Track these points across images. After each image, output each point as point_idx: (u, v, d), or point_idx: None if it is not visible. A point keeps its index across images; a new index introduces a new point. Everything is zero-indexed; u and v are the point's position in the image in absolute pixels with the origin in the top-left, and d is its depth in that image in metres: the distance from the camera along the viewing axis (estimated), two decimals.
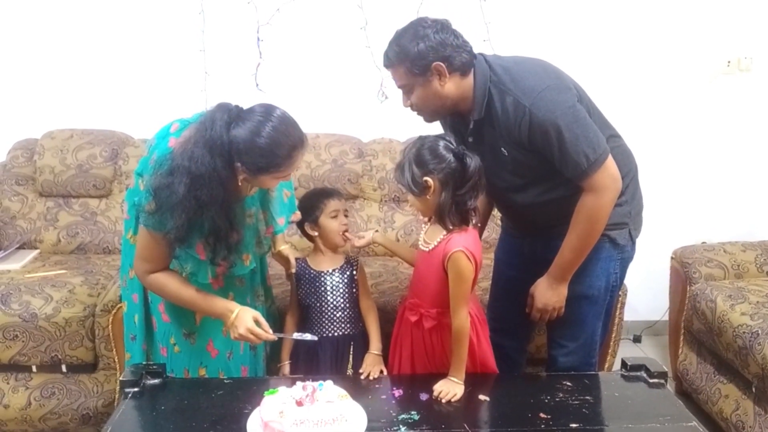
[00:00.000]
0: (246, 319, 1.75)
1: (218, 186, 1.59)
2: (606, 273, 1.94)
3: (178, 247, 1.69)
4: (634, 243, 1.98)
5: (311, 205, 2.07)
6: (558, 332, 2.01)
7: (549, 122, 1.69)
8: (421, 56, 1.69)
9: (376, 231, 2.02)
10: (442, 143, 1.74)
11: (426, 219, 1.87)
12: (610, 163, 1.75)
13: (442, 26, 1.73)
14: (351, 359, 2.06)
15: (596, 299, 1.96)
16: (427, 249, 1.83)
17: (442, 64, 1.70)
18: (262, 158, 1.59)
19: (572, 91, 1.77)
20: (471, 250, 1.74)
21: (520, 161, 1.81)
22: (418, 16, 2.87)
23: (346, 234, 2.03)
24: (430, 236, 1.83)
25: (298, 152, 1.65)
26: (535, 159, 1.78)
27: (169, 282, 1.77)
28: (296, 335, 1.92)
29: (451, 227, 1.76)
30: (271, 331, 1.79)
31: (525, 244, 2.04)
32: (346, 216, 2.07)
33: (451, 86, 1.74)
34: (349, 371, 2.03)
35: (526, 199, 1.90)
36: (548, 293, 1.88)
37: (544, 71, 1.79)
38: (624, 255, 1.96)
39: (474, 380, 1.88)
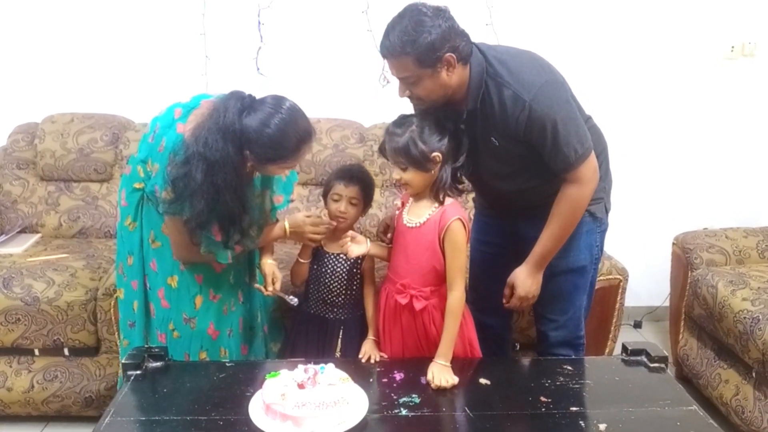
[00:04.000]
0: (299, 221, 1.91)
1: (232, 171, 1.62)
2: (589, 246, 2.00)
3: (197, 231, 1.71)
4: (607, 215, 2.06)
5: (327, 181, 2.08)
6: (547, 308, 2.05)
7: (547, 117, 1.71)
8: (434, 47, 1.64)
9: (366, 242, 1.92)
10: (437, 119, 1.77)
11: (409, 196, 1.87)
12: (593, 157, 1.81)
13: (446, 13, 1.69)
14: (339, 344, 2.06)
15: (582, 272, 2.02)
16: (414, 225, 1.82)
17: (453, 55, 1.67)
18: (270, 149, 1.62)
19: (565, 85, 1.80)
20: (465, 219, 1.79)
21: (510, 150, 1.82)
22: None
23: (345, 240, 1.89)
24: (417, 213, 1.83)
25: (306, 144, 1.67)
26: (525, 149, 1.80)
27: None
28: (285, 295, 2.00)
29: (443, 200, 1.79)
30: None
31: (506, 223, 2.06)
32: (353, 204, 2.00)
33: (455, 76, 1.72)
34: (337, 356, 2.04)
35: (511, 185, 1.93)
36: (529, 281, 1.91)
37: (539, 65, 1.79)
38: (602, 227, 2.04)
39: (475, 364, 1.90)
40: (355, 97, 3.05)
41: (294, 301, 2.00)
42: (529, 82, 1.72)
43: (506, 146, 1.81)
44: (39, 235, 2.80)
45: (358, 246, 1.88)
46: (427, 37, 1.63)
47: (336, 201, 2.01)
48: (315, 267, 2.07)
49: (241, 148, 1.62)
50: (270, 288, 1.97)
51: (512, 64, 1.75)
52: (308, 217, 1.94)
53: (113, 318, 2.30)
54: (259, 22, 2.97)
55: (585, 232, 1.96)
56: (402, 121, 1.77)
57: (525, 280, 1.90)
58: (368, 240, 1.92)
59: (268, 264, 2.01)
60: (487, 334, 2.05)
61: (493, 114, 1.76)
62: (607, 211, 2.04)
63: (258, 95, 1.73)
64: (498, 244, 2.07)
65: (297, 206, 2.81)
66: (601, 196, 1.98)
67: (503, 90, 1.73)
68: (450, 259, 1.78)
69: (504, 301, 1.97)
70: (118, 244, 1.95)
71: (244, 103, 1.63)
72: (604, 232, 2.06)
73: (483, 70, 1.75)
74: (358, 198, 2.01)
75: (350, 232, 1.90)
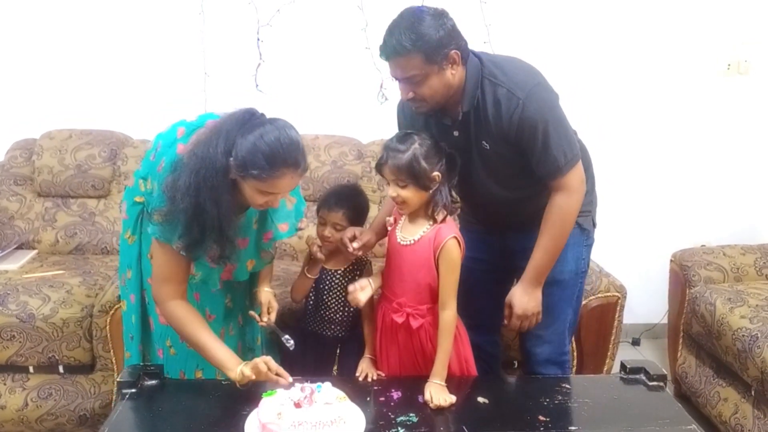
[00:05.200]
0: (246, 370, 1.68)
1: (213, 173, 1.57)
2: (576, 258, 1.99)
3: (189, 256, 1.68)
4: (594, 229, 2.06)
5: (319, 201, 2.06)
6: None
7: (539, 117, 1.73)
8: (442, 44, 1.66)
9: (369, 283, 1.88)
10: (433, 139, 1.77)
11: (404, 214, 1.85)
12: (580, 166, 1.82)
13: (447, 14, 1.72)
14: (337, 362, 2.05)
15: (567, 284, 1.99)
16: (408, 243, 1.81)
17: (458, 52, 1.70)
18: (250, 155, 1.56)
19: (555, 92, 1.82)
20: (461, 237, 1.79)
21: (502, 155, 1.82)
22: None
23: (353, 292, 1.84)
24: (410, 230, 1.82)
25: (289, 172, 1.60)
26: (515, 154, 1.80)
27: (187, 319, 1.73)
28: (281, 333, 1.89)
29: (438, 218, 1.78)
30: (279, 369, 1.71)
31: (495, 239, 2.05)
32: (337, 229, 1.97)
33: (457, 75, 1.74)
34: (334, 374, 2.02)
35: (502, 194, 1.92)
36: (525, 299, 1.88)
37: (530, 69, 1.82)
38: (589, 241, 2.04)
39: (473, 382, 1.88)
40: (354, 113, 3.06)
41: (290, 343, 1.87)
42: (523, 82, 1.75)
43: (497, 150, 1.81)
44: (35, 251, 2.80)
45: (364, 292, 1.85)
46: (435, 34, 1.65)
47: (321, 224, 2.01)
48: (312, 284, 2.06)
49: (229, 152, 1.58)
50: (265, 318, 1.90)
51: (506, 66, 1.79)
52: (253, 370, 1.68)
53: (109, 335, 2.29)
54: (258, 40, 2.99)
55: (572, 243, 1.94)
56: (404, 138, 1.76)
57: (521, 297, 1.88)
58: (369, 279, 1.89)
59: (265, 292, 1.95)
60: (476, 352, 2.03)
61: (486, 116, 1.77)
62: (594, 225, 2.04)
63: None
64: (486, 260, 2.05)
65: None
66: (588, 210, 1.99)
67: (497, 89, 1.75)
68: (444, 277, 1.77)
69: (505, 321, 1.95)
70: (120, 257, 1.94)
71: (253, 118, 1.62)
72: (590, 246, 2.05)
73: (479, 72, 1.77)
74: (342, 224, 1.98)
75: (350, 288, 1.85)
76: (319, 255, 2.01)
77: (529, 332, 2.03)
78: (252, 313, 1.94)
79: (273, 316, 1.91)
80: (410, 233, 1.82)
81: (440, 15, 1.70)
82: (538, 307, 1.91)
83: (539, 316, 1.92)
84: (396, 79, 1.76)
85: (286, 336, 1.88)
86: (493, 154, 1.82)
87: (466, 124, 1.81)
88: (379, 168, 1.80)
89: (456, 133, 1.84)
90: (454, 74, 1.72)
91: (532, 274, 1.87)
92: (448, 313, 1.77)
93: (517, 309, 1.89)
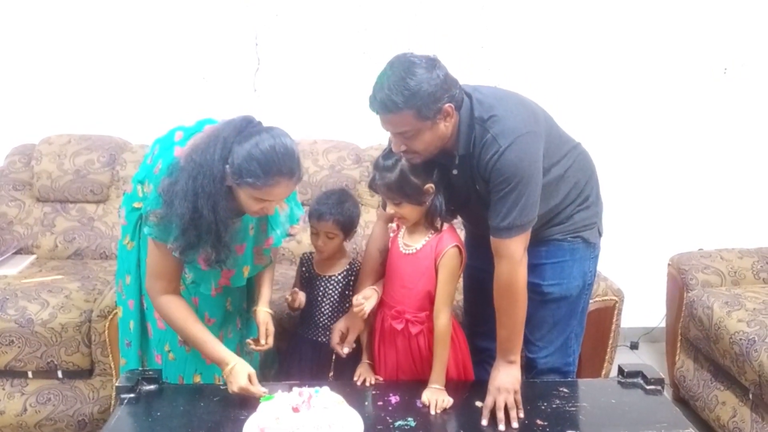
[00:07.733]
0: (240, 377, 1.69)
1: (210, 179, 1.58)
2: (582, 273, 1.96)
3: (182, 258, 1.69)
4: (600, 239, 2.01)
5: (310, 211, 2.05)
6: (537, 334, 2.00)
7: (513, 170, 1.65)
8: (435, 98, 1.59)
9: (375, 291, 1.88)
10: None
11: (401, 225, 1.86)
12: (527, 237, 1.73)
13: (439, 62, 1.63)
14: (332, 367, 2.05)
15: (574, 299, 1.97)
16: (411, 251, 1.82)
17: (452, 105, 1.63)
18: (246, 163, 1.57)
19: (542, 136, 1.74)
20: (462, 246, 1.80)
21: (489, 197, 1.76)
22: (416, 19, 2.89)
23: (359, 304, 1.83)
24: (413, 239, 1.83)
25: (283, 180, 1.61)
26: None
27: (178, 312, 1.75)
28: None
29: (439, 227, 1.79)
30: (261, 388, 1.70)
31: None
32: (329, 237, 1.99)
33: (451, 125, 1.67)
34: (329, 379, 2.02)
35: None
36: (494, 373, 1.79)
37: (527, 113, 1.73)
38: (595, 253, 2.00)
39: (470, 387, 1.89)
40: (352, 118, 3.06)
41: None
42: (512, 129, 1.66)
43: (486, 194, 1.76)
44: (34, 256, 2.80)
45: (369, 301, 1.84)
46: (427, 89, 1.57)
47: (314, 234, 2.02)
48: (307, 291, 2.07)
49: (226, 159, 1.59)
50: (263, 341, 1.87)
51: (498, 108, 1.69)
52: (245, 387, 1.70)
53: (108, 340, 2.29)
54: (256, 44, 3.00)
55: (578, 258, 1.93)
56: (390, 154, 1.75)
57: (494, 373, 1.78)
58: (375, 287, 1.89)
59: (263, 313, 1.91)
60: (482, 357, 2.03)
61: (476, 157, 1.72)
62: (600, 234, 2.01)
63: (255, 116, 1.71)
64: (488, 270, 2.06)
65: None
66: (594, 221, 1.96)
67: (486, 135, 1.68)
68: (441, 284, 1.78)
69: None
70: (118, 262, 1.94)
71: (249, 126, 1.63)
72: (597, 257, 2.02)
73: (471, 115, 1.70)
74: (334, 231, 1.99)
75: (355, 300, 1.83)
76: (296, 305, 2.01)
77: (533, 343, 2.00)
78: (249, 340, 1.90)
79: (270, 340, 1.88)
80: (413, 241, 1.83)
81: (432, 65, 1.60)
82: (514, 385, 1.74)
83: (517, 395, 1.73)
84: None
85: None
86: (484, 194, 1.77)
87: (464, 165, 1.76)
88: (372, 188, 1.82)
89: (455, 172, 1.79)
90: (447, 126, 1.66)
91: (499, 352, 1.80)
92: (443, 321, 1.78)
93: (489, 384, 1.76)
